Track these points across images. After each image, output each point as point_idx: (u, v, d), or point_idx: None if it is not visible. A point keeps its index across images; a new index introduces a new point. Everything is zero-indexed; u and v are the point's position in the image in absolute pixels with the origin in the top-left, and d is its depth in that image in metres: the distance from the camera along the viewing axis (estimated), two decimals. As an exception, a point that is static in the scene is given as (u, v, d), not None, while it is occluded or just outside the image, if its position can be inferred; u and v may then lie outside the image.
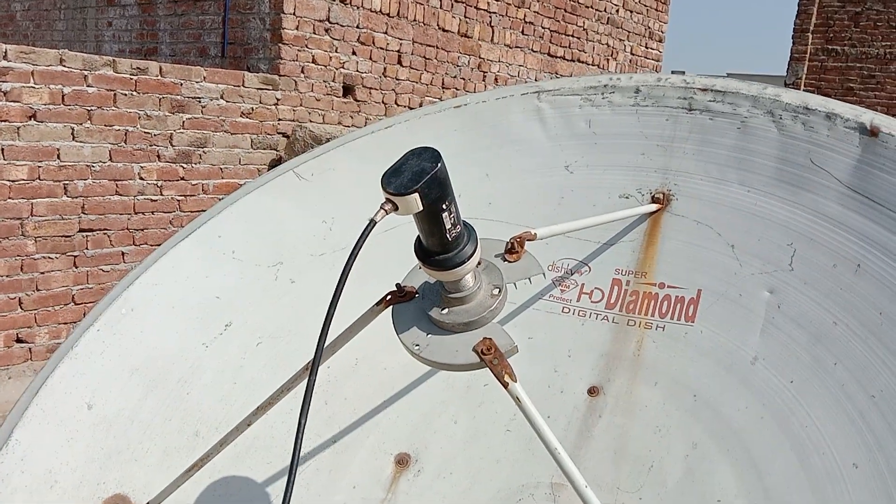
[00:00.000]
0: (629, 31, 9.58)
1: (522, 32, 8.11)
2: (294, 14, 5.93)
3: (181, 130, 5.41)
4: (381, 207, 0.89)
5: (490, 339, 0.99)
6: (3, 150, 4.46)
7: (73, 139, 4.81)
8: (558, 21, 8.47)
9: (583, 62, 8.85)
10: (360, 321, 1.13)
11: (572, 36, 8.71)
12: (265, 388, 1.75)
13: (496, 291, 1.03)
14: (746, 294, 1.63)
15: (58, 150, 4.74)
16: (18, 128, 4.50)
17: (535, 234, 1.16)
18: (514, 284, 1.07)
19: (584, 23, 8.79)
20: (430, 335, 1.03)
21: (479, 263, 1.04)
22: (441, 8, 7.15)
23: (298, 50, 6.05)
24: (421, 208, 0.89)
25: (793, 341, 1.54)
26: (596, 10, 8.93)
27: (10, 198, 4.54)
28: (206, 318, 1.80)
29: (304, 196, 1.95)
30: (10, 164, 4.51)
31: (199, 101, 5.48)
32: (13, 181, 4.54)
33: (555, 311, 1.81)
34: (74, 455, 1.53)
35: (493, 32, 7.72)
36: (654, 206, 1.77)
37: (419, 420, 1.74)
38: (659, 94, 1.84)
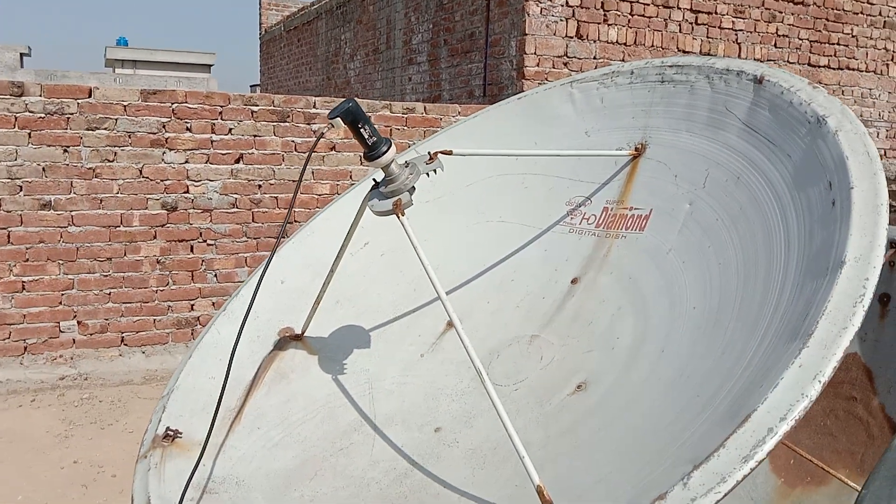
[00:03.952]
0: (916, 32, 8.91)
1: (775, 45, 8.17)
2: (535, 53, 7.01)
3: (442, 155, 6.80)
4: (326, 125, 1.86)
5: (400, 198, 1.89)
6: (313, 172, 6.22)
7: (361, 164, 6.43)
8: (819, 31, 8.33)
9: (853, 69, 8.51)
10: (364, 202, 2.10)
11: (838, 44, 8.46)
12: (381, 276, 2.80)
13: (411, 175, 1.92)
14: (676, 208, 2.25)
15: (350, 172, 6.40)
16: (323, 156, 6.24)
17: (452, 150, 2.02)
18: (427, 174, 1.96)
19: (852, 29, 8.49)
20: (379, 200, 1.96)
21: (407, 165, 1.96)
22: (681, 32, 7.66)
23: (539, 83, 7.10)
24: (345, 126, 1.83)
25: (692, 235, 2.14)
26: (867, 15, 8.54)
27: (317, 207, 6.27)
28: (353, 239, 2.89)
29: (417, 164, 2.97)
30: (318, 182, 6.25)
31: (457, 131, 6.81)
32: (319, 195, 6.28)
33: (563, 233, 2.56)
34: (270, 305, 2.71)
35: (739, 49, 7.96)
36: (628, 154, 2.45)
37: (468, 301, 2.62)
38: (645, 74, 2.52)
